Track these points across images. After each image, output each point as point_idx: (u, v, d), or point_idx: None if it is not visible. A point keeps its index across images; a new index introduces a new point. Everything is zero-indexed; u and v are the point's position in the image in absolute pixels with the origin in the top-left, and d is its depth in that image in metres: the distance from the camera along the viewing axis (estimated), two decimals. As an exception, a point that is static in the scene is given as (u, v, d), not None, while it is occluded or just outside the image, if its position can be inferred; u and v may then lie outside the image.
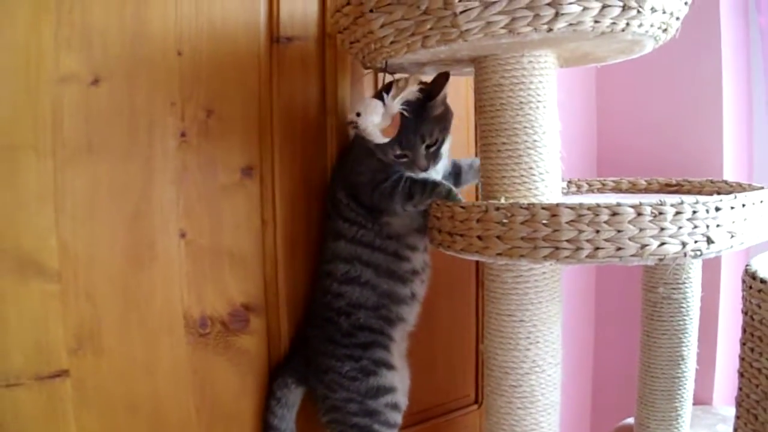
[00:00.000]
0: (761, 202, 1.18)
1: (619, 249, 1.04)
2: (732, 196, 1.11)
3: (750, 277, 1.19)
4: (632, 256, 1.05)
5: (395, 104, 1.19)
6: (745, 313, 1.24)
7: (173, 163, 1.29)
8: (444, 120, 1.28)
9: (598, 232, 1.04)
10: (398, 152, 1.27)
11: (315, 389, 1.43)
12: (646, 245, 1.04)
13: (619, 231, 1.04)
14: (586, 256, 1.05)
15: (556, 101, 1.21)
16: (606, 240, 1.04)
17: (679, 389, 1.56)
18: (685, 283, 1.51)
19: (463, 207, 1.15)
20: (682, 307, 1.52)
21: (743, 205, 1.13)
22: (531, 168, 1.17)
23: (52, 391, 1.20)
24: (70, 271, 1.19)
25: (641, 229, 1.04)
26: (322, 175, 1.48)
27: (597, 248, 1.05)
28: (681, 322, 1.52)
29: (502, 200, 1.15)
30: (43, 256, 1.17)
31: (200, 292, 1.34)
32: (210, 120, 1.33)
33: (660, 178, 1.59)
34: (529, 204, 1.08)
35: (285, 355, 1.46)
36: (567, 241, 1.05)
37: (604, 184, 1.65)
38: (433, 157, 1.29)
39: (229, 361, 1.39)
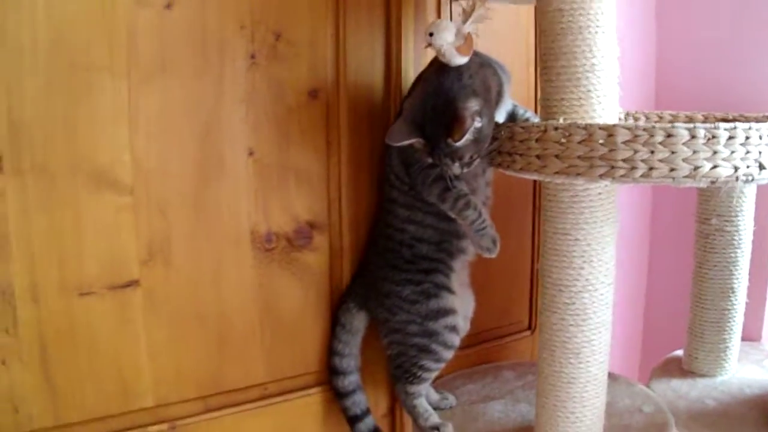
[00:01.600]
0: None
1: (672, 170, 1.17)
2: None
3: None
4: (685, 177, 1.17)
5: (466, 26, 1.33)
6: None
7: (242, 84, 1.43)
8: (479, 142, 1.34)
9: (652, 152, 1.16)
10: (430, 161, 1.38)
11: (376, 314, 1.58)
12: (699, 167, 1.16)
13: (673, 152, 1.16)
14: (641, 176, 1.17)
15: (615, 27, 1.34)
16: (660, 160, 1.16)
17: (728, 322, 1.71)
18: (737, 215, 1.65)
19: (522, 127, 1.29)
20: (734, 240, 1.66)
21: None
22: (589, 91, 1.29)
23: (123, 301, 1.37)
24: (142, 186, 1.35)
25: (695, 152, 1.16)
26: (386, 100, 1.63)
27: (651, 168, 1.17)
28: (732, 255, 1.67)
29: (561, 120, 1.29)
30: (117, 171, 1.33)
31: (266, 209, 1.50)
32: (279, 43, 1.46)
33: (717, 113, 1.72)
34: (586, 124, 1.20)
35: (349, 279, 1.63)
36: (622, 160, 1.17)
37: (661, 117, 1.75)
38: (468, 165, 1.37)
39: (293, 275, 1.56)
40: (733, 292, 1.69)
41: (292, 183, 1.52)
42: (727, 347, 1.73)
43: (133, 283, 1.37)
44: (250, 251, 1.49)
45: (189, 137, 1.39)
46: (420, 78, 1.44)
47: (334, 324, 1.62)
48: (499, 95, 1.42)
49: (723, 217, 1.66)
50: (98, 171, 1.31)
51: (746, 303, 1.73)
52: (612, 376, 1.71)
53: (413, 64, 1.60)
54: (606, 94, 1.30)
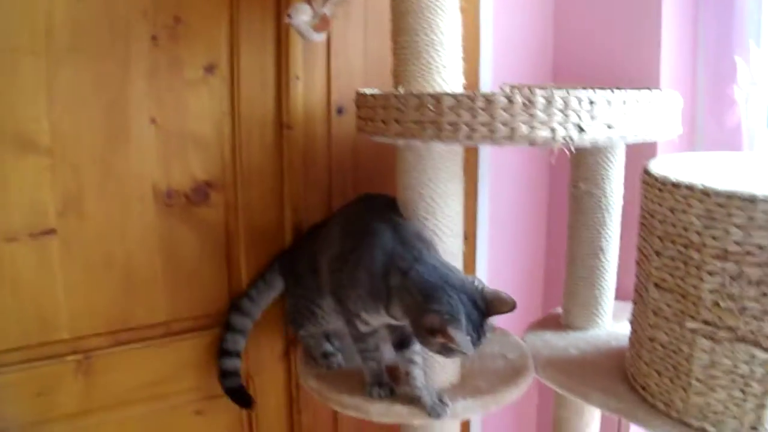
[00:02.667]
0: (648, 102, 1.53)
1: (492, 132, 1.39)
2: (609, 91, 1.45)
3: (644, 173, 1.56)
4: (504, 138, 1.39)
5: (324, 8, 1.58)
6: (640, 207, 1.61)
7: (145, 62, 1.71)
8: None
9: (474, 116, 1.39)
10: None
11: (297, 288, 1.85)
12: (516, 129, 1.38)
13: (492, 116, 1.39)
14: (464, 137, 1.41)
15: (458, 7, 1.56)
16: (481, 123, 1.39)
17: (599, 280, 1.93)
18: (604, 180, 1.86)
19: (373, 97, 1.54)
20: (602, 203, 1.88)
21: (624, 102, 1.46)
22: (429, 64, 1.53)
23: (43, 247, 1.66)
24: (59, 148, 1.64)
25: (512, 115, 1.38)
26: (277, 74, 1.89)
27: (473, 130, 1.40)
28: (600, 217, 1.88)
29: (400, 90, 1.54)
30: (37, 135, 1.62)
31: (167, 169, 1.77)
32: (178, 26, 1.74)
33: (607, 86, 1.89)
34: (419, 92, 1.45)
35: (243, 233, 1.90)
36: (448, 123, 1.41)
37: (543, 89, 1.97)
38: None
39: (191, 228, 1.84)
40: (602, 252, 1.90)
41: (191, 147, 1.80)
42: (599, 303, 1.95)
43: (50, 232, 1.66)
44: (153, 206, 1.77)
45: (98, 107, 1.68)
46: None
47: (257, 276, 1.91)
48: None
49: (590, 182, 1.88)
50: (21, 136, 1.61)
51: (625, 264, 1.92)
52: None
53: (300, 39, 1.84)
54: (447, 66, 1.55)
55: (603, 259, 1.91)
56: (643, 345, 1.58)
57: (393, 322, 1.52)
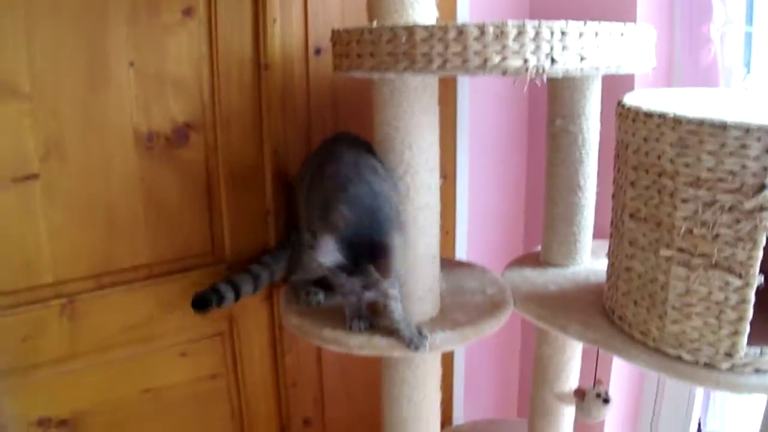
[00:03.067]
0: (621, 34, 1.55)
1: (464, 62, 1.42)
2: (582, 22, 1.48)
3: (618, 106, 1.59)
4: (476, 68, 1.43)
5: None
6: (616, 140, 1.64)
7: (124, 6, 1.71)
8: None
9: (446, 47, 1.43)
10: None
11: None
12: (489, 59, 1.42)
13: (464, 47, 1.42)
14: (437, 67, 1.44)
15: None
16: (453, 54, 1.43)
17: (577, 216, 1.98)
18: (580, 117, 1.90)
19: (348, 32, 1.57)
20: (578, 140, 1.92)
21: (596, 34, 1.49)
22: None
23: (25, 191, 1.69)
24: (39, 94, 1.66)
25: (484, 46, 1.42)
26: (254, 16, 1.90)
27: (446, 61, 1.43)
28: (577, 154, 1.92)
29: (374, 24, 1.56)
30: (18, 81, 1.63)
31: (147, 112, 1.80)
32: (154, -32, 1.79)
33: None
34: (392, 26, 1.48)
35: (224, 173, 1.93)
36: (421, 54, 1.44)
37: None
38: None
39: (172, 169, 1.87)
40: (579, 189, 1.95)
41: (170, 90, 1.82)
42: (577, 240, 2.00)
43: (33, 176, 1.69)
44: (134, 149, 1.80)
45: (78, 52, 1.69)
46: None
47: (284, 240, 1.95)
48: None
49: (567, 118, 1.92)
50: (1, 82, 1.62)
51: (601, 203, 1.98)
52: (469, 265, 2.02)
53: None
54: (420, 1, 1.57)
55: (581, 196, 1.95)
56: (619, 276, 1.63)
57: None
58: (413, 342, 1.61)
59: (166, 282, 1.90)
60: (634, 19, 2.03)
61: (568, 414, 2.13)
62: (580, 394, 1.92)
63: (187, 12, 1.81)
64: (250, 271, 1.90)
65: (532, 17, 2.39)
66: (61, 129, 1.70)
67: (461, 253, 2.48)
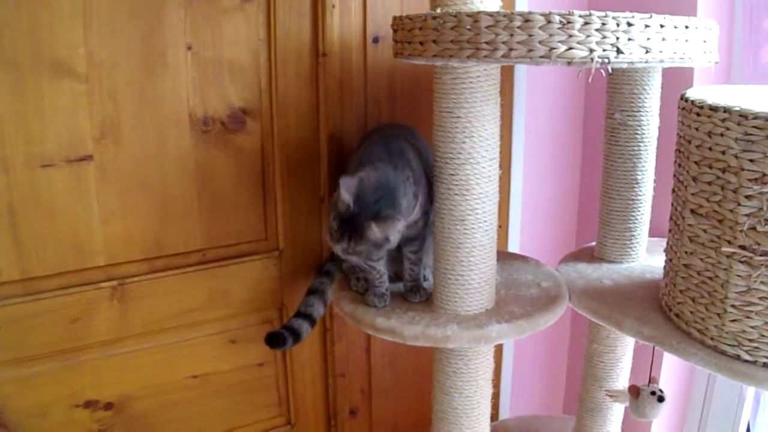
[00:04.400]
0: (686, 27, 1.54)
1: (530, 51, 1.42)
2: (648, 15, 1.49)
3: (681, 100, 1.59)
4: (541, 57, 1.42)
5: None
6: (677, 134, 1.64)
7: None
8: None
9: (512, 35, 1.43)
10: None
11: None
12: (554, 48, 1.42)
13: (530, 35, 1.42)
14: (502, 56, 1.44)
15: None
16: (519, 42, 1.42)
17: (634, 212, 1.97)
18: (640, 111, 1.89)
19: (410, 18, 1.57)
20: (637, 134, 1.90)
21: (661, 26, 1.49)
22: None
23: (79, 172, 1.72)
24: (95, 75, 1.69)
25: (550, 34, 1.41)
26: (314, 2, 1.93)
27: (511, 49, 1.43)
28: (635, 148, 1.91)
29: (438, 11, 1.57)
30: (73, 61, 1.66)
31: (204, 96, 1.82)
32: (215, -47, 1.81)
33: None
34: (457, 12, 1.49)
35: (279, 160, 1.95)
36: (486, 42, 1.44)
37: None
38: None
39: (227, 155, 1.89)
40: (637, 184, 1.94)
41: (227, 74, 1.84)
42: (633, 235, 1.98)
43: (87, 158, 1.71)
44: (189, 132, 1.82)
45: (135, 34, 1.71)
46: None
47: None
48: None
49: (626, 112, 1.91)
50: (58, 63, 1.65)
51: (662, 200, 1.96)
52: (524, 258, 2.02)
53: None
54: (484, -13, 1.58)
55: (638, 191, 1.94)
56: (678, 273, 1.62)
57: None
58: (410, 295, 1.78)
59: (218, 268, 1.92)
60: (694, 14, 2.01)
61: (616, 412, 2.13)
62: (634, 392, 1.91)
63: (247, -4, 1.85)
64: (317, 291, 1.94)
65: (590, 9, 2.34)
66: (117, 110, 1.72)
67: (513, 247, 2.47)
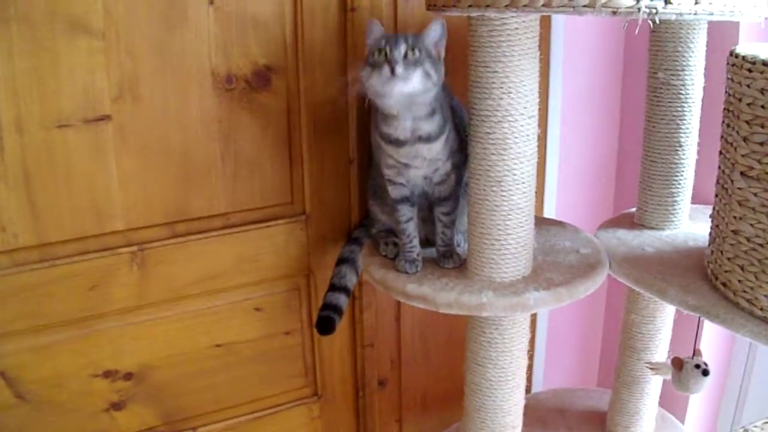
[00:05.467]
0: None
1: None
2: None
3: (731, 56, 1.49)
4: (584, 6, 1.32)
5: None
6: (725, 92, 1.54)
7: None
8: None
9: None
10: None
11: None
12: None
13: None
14: (542, 5, 1.35)
15: None
16: None
17: (676, 176, 1.87)
18: (684, 69, 1.79)
19: (445, -31, 1.49)
20: (681, 94, 1.80)
21: None
22: None
23: (97, 133, 1.64)
24: (112, 31, 1.60)
25: None
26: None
27: None
28: (679, 109, 1.81)
29: (475, -40, 1.48)
30: (90, 18, 1.57)
31: (227, 53, 1.73)
32: None
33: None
34: (494, -42, 1.41)
35: (306, 119, 1.86)
36: None
37: None
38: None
39: (252, 114, 1.80)
40: (680, 147, 1.84)
41: (251, 29, 1.74)
42: (675, 201, 1.89)
43: (105, 118, 1.64)
44: (212, 90, 1.73)
45: (155, -14, 1.66)
46: None
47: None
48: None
49: (669, 71, 1.80)
50: (73, 18, 1.56)
51: (704, 165, 1.88)
52: (561, 224, 1.94)
53: None
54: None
55: (681, 155, 1.85)
56: (725, 239, 1.53)
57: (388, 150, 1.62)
58: (442, 261, 1.72)
59: (242, 233, 1.85)
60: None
61: (654, 385, 2.06)
62: (677, 365, 1.82)
63: (271, -53, 1.76)
64: (348, 259, 1.89)
65: None
66: (135, 68, 1.64)
67: (549, 212, 2.39)
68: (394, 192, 1.70)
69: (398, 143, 1.61)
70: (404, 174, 1.67)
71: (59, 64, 1.56)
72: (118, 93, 1.63)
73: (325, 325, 1.82)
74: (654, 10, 1.34)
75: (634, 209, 2.03)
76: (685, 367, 1.79)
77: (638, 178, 1.97)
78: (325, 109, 1.87)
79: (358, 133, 1.93)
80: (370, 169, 1.86)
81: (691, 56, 1.79)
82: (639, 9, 1.33)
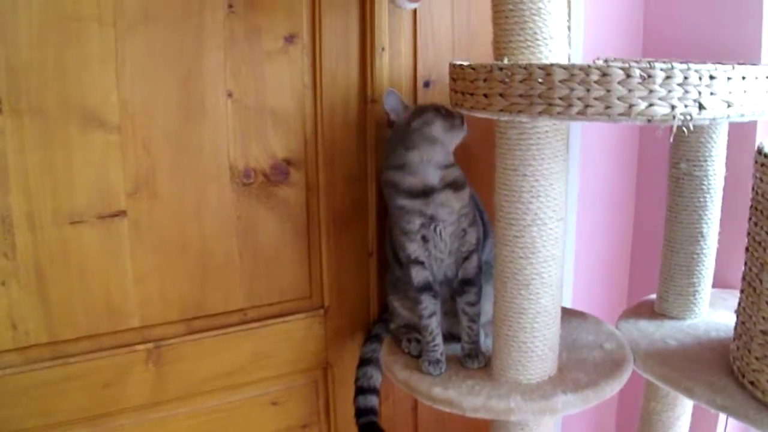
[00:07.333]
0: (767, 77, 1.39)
1: (607, 107, 1.23)
2: (730, 66, 1.31)
3: (759, 154, 1.41)
4: (620, 114, 1.23)
5: None
6: (753, 190, 1.46)
7: (221, 31, 1.56)
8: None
9: (588, 90, 1.23)
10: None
11: None
12: (634, 105, 1.23)
13: (608, 90, 1.22)
14: (577, 113, 1.25)
15: None
16: (595, 98, 1.23)
17: (698, 266, 1.77)
18: (706, 160, 1.70)
19: (472, 68, 1.39)
20: (703, 185, 1.71)
21: (743, 78, 1.30)
22: (535, 33, 1.36)
23: (111, 229, 1.54)
24: (128, 124, 1.50)
25: (630, 90, 1.22)
26: (362, 43, 1.74)
27: (587, 106, 1.24)
28: (701, 199, 1.72)
29: (505, 61, 1.39)
30: (105, 110, 1.48)
31: (245, 146, 1.63)
32: (255, -8, 1.60)
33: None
34: (527, 63, 1.29)
35: (325, 213, 1.77)
36: (559, 98, 1.24)
37: (638, 62, 1.82)
38: None
39: (270, 209, 1.70)
40: (702, 237, 1.75)
41: (270, 123, 1.65)
42: (697, 291, 1.79)
43: (120, 213, 1.53)
44: (230, 185, 1.63)
45: (171, 80, 1.53)
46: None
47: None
48: None
49: (692, 162, 1.72)
50: (88, 111, 1.47)
51: (723, 250, 1.79)
52: (582, 315, 1.82)
53: (386, 7, 1.72)
54: (553, 36, 1.38)
55: (703, 245, 1.76)
56: (754, 338, 1.42)
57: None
58: (468, 359, 1.62)
59: (260, 328, 1.74)
60: (758, 59, 1.84)
61: (674, 471, 1.95)
62: (706, 463, 1.76)
63: (290, 39, 1.64)
64: (372, 360, 1.80)
65: (645, 55, 2.21)
66: (152, 163, 1.55)
67: (566, 301, 2.28)
68: (417, 276, 1.59)
69: (427, 192, 1.56)
70: (429, 241, 1.59)
71: (73, 157, 1.47)
72: (134, 188, 1.54)
73: (373, 431, 1.74)
74: (689, 117, 1.27)
75: (652, 296, 1.94)
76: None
77: (656, 267, 1.88)
78: (344, 202, 1.78)
79: (378, 225, 1.83)
80: (389, 263, 1.76)
81: (713, 147, 1.70)
82: (674, 116, 1.26)
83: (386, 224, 1.70)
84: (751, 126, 1.85)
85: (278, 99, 1.66)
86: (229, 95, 1.59)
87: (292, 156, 1.70)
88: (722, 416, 2.02)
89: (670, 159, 1.77)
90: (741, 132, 1.77)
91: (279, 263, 1.75)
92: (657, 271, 1.90)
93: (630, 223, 2.41)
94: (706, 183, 1.72)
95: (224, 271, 1.68)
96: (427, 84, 1.81)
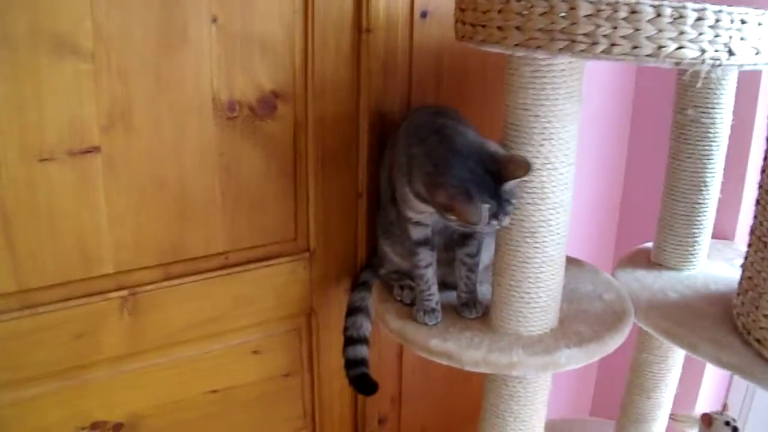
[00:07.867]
0: None
1: (635, 47, 1.13)
2: (762, 11, 1.19)
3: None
4: (648, 56, 1.14)
5: None
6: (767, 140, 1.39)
7: None
8: None
9: (615, 28, 1.13)
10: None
11: None
12: (663, 47, 1.13)
13: (636, 29, 1.12)
14: (602, 52, 1.14)
15: None
16: (622, 37, 1.13)
17: (698, 216, 1.72)
18: (715, 107, 1.63)
19: (486, -1, 1.28)
20: (709, 132, 1.65)
21: None
22: None
23: (84, 167, 1.39)
24: (103, 52, 1.34)
25: (659, 30, 1.12)
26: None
27: (613, 44, 1.13)
28: (707, 147, 1.66)
29: (523, -8, 1.27)
30: (77, 36, 1.31)
31: (230, 77, 1.49)
32: None
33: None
34: (546, -7, 1.20)
35: (313, 150, 1.65)
36: (584, 34, 1.14)
37: None
38: None
39: (255, 144, 1.57)
40: (705, 186, 1.68)
41: (257, 52, 1.51)
42: (696, 241, 1.74)
43: (93, 150, 1.38)
44: (212, 119, 1.49)
45: (151, 4, 1.37)
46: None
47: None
48: None
49: (700, 108, 1.64)
50: (59, 38, 1.30)
51: (720, 201, 1.74)
52: (578, 263, 1.73)
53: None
54: (573, -34, 1.29)
55: (705, 195, 1.70)
56: (762, 295, 1.37)
57: (422, 207, 1.41)
58: (465, 308, 1.54)
59: (242, 272, 1.62)
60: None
61: (660, 422, 1.91)
62: (706, 421, 1.68)
63: (279, -41, 1.49)
64: (361, 309, 1.71)
65: None
66: (128, 94, 1.39)
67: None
68: (415, 233, 1.48)
69: None
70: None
71: (42, 88, 1.30)
72: (108, 122, 1.38)
73: (364, 383, 1.67)
74: (718, 62, 1.18)
75: (648, 245, 1.89)
76: (715, 424, 1.66)
77: (646, 215, 1.85)
78: (334, 139, 1.66)
79: (368, 163, 1.72)
80: (380, 205, 1.66)
81: (722, 94, 1.63)
82: (703, 60, 1.17)
83: (381, 164, 1.61)
84: (756, 75, 1.79)
85: (267, 25, 1.51)
86: (214, 20, 1.44)
87: (279, 88, 1.57)
88: (708, 368, 1.99)
89: (676, 104, 1.70)
90: (746, 80, 1.70)
91: (262, 203, 1.63)
92: (647, 219, 1.84)
93: (621, 169, 2.35)
94: (712, 131, 1.66)
95: (204, 211, 1.55)
96: (423, 14, 1.67)
